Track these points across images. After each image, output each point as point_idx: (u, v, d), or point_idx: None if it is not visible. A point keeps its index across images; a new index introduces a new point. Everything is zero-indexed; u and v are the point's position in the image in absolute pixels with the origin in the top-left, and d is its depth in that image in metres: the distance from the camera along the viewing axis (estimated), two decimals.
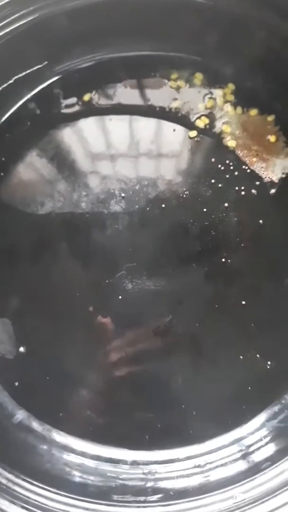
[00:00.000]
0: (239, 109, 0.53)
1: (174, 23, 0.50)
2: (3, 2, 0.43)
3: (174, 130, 0.53)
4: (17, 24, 0.45)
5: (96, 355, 0.49)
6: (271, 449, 0.45)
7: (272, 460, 0.42)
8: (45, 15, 0.46)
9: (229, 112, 0.53)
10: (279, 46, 0.49)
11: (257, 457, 0.45)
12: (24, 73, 0.50)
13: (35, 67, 0.51)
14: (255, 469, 0.42)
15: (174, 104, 0.53)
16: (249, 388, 0.48)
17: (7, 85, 0.50)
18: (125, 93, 0.53)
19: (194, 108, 0.53)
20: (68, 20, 0.48)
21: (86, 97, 0.53)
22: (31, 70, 0.50)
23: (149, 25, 0.51)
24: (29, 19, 0.45)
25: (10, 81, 0.50)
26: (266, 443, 0.46)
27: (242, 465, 0.45)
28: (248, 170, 0.52)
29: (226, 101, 0.53)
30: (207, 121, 0.52)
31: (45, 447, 0.47)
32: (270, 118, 0.52)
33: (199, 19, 0.50)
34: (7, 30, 0.45)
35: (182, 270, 0.50)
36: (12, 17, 0.44)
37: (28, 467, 0.44)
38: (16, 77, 0.50)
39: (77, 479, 0.45)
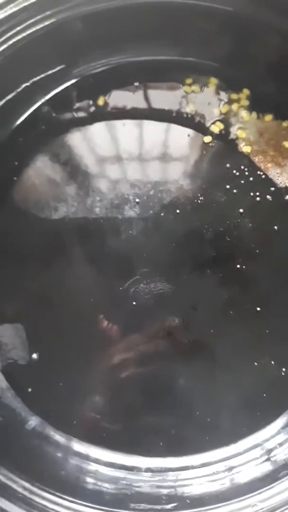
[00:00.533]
0: (254, 115, 0.53)
1: (189, 28, 0.50)
2: (21, 6, 0.43)
3: (188, 135, 0.52)
4: (34, 29, 0.45)
5: (110, 361, 0.48)
6: (287, 456, 0.45)
7: None
8: (62, 20, 0.46)
9: (244, 118, 0.53)
10: None
11: (274, 464, 0.45)
12: (39, 77, 0.50)
13: (51, 71, 0.51)
14: (272, 477, 0.42)
15: (189, 109, 0.53)
16: (264, 394, 0.48)
17: (21, 89, 0.50)
18: (139, 98, 0.53)
19: (208, 113, 0.53)
20: (85, 24, 0.48)
21: (101, 101, 0.53)
22: (46, 74, 0.50)
23: (164, 30, 0.51)
24: (46, 23, 0.45)
25: (25, 85, 0.50)
26: (283, 451, 0.46)
27: (258, 473, 0.44)
28: (263, 176, 0.51)
29: (241, 107, 0.53)
30: (222, 126, 0.52)
31: (59, 454, 0.46)
32: (285, 123, 0.52)
33: (215, 24, 0.50)
34: (25, 34, 0.45)
35: (196, 276, 0.50)
36: (30, 21, 0.44)
37: (43, 475, 0.43)
38: (31, 80, 0.50)
39: (92, 487, 0.45)
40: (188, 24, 0.50)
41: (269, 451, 0.46)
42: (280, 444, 0.46)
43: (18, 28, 0.44)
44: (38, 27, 0.45)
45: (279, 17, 0.47)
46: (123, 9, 0.47)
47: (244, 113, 0.53)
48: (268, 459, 0.46)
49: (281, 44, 0.49)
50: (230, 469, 0.46)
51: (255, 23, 0.48)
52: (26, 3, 0.43)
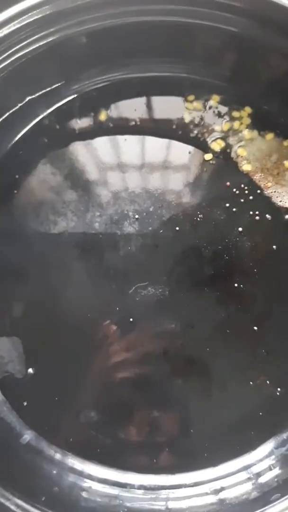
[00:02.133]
0: (255, 133, 0.53)
1: (193, 46, 0.51)
2: (24, 23, 0.43)
3: (189, 152, 0.52)
4: (38, 45, 0.45)
5: (106, 377, 0.49)
6: (280, 478, 0.45)
7: (282, 491, 0.42)
8: (65, 36, 0.46)
9: (245, 136, 0.53)
10: None
11: (266, 486, 0.45)
12: (41, 92, 0.50)
13: (52, 86, 0.51)
14: (264, 500, 0.42)
15: (190, 126, 0.53)
16: (258, 414, 0.48)
17: (23, 104, 0.50)
18: (141, 114, 0.53)
19: (210, 130, 0.53)
20: (87, 41, 0.48)
21: (102, 116, 0.53)
22: (48, 89, 0.50)
23: (168, 47, 0.51)
24: (49, 40, 0.45)
25: (27, 100, 0.50)
26: (275, 472, 0.46)
27: (251, 494, 0.45)
28: (263, 195, 0.52)
29: (242, 124, 0.53)
30: (223, 144, 0.52)
31: (53, 469, 0.47)
32: (286, 142, 0.52)
33: (218, 43, 0.50)
34: (28, 49, 0.45)
35: (194, 294, 0.50)
36: (33, 38, 0.44)
37: (36, 491, 0.43)
38: (33, 96, 0.50)
39: (85, 504, 0.45)
40: (191, 42, 0.50)
41: (262, 472, 0.46)
42: (274, 466, 0.46)
43: (22, 44, 0.44)
44: (41, 43, 0.46)
45: (282, 38, 0.47)
46: (126, 26, 0.47)
47: (245, 131, 0.53)
48: (260, 481, 0.46)
49: (283, 64, 0.49)
50: (222, 489, 0.46)
51: (258, 43, 0.48)
52: (29, 20, 0.43)
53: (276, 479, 0.45)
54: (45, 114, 0.52)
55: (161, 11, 0.47)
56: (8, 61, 0.45)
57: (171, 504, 0.46)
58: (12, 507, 0.40)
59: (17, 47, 0.44)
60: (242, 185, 0.52)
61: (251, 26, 0.47)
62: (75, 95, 0.52)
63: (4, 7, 0.41)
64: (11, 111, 0.51)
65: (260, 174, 0.52)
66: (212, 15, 0.47)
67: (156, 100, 0.53)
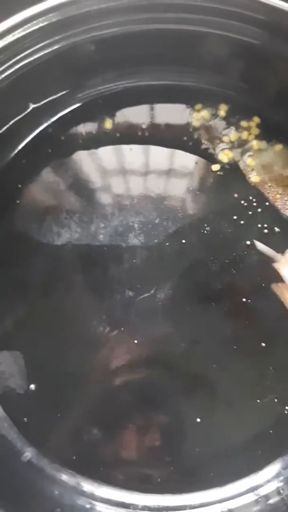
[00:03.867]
0: (264, 144, 0.52)
1: (201, 54, 0.50)
2: (29, 31, 0.42)
3: (196, 163, 0.51)
4: (43, 53, 0.44)
5: (109, 393, 0.47)
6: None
7: None
8: (71, 44, 0.45)
9: (254, 146, 0.51)
10: None
11: (274, 509, 0.44)
12: (45, 100, 0.49)
13: (57, 95, 0.50)
14: None
15: (197, 136, 0.52)
16: (266, 433, 0.47)
17: (27, 112, 0.49)
18: (147, 123, 0.52)
19: (218, 140, 0.52)
20: (93, 49, 0.47)
21: (108, 125, 0.52)
22: (53, 97, 0.49)
23: (174, 55, 0.50)
24: (54, 48, 0.44)
25: (31, 108, 0.49)
26: (282, 493, 0.44)
27: None
28: (272, 207, 0.50)
29: (251, 135, 0.52)
30: (230, 155, 0.51)
31: (55, 489, 0.45)
32: None
33: (227, 51, 0.49)
34: (33, 58, 0.44)
35: (200, 308, 0.49)
36: (37, 46, 0.43)
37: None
38: (37, 104, 0.49)
39: None
40: (200, 51, 0.49)
41: (270, 494, 0.45)
42: (282, 488, 0.45)
43: (27, 51, 0.43)
44: (47, 51, 0.45)
45: None
46: (134, 34, 0.47)
47: (254, 142, 0.52)
48: (268, 502, 0.45)
49: None
50: (230, 511, 0.44)
51: (267, 52, 0.47)
52: (34, 27, 0.42)
53: (284, 502, 0.44)
54: (49, 122, 0.51)
55: (169, 19, 0.46)
56: (13, 69, 0.44)
57: None
58: None
59: (22, 55, 0.43)
60: (250, 197, 0.51)
61: (260, 35, 0.46)
62: (80, 104, 0.51)
63: (9, 15, 0.40)
64: (15, 120, 0.50)
65: (269, 186, 0.51)
66: (220, 24, 0.47)
67: (163, 109, 0.52)
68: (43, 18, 0.41)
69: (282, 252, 0.49)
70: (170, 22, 0.47)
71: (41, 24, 0.42)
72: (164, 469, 0.46)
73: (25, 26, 0.41)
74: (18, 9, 0.40)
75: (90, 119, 0.52)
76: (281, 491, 0.44)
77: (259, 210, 0.50)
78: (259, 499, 0.45)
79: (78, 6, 0.42)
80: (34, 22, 0.41)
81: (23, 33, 0.42)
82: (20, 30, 0.41)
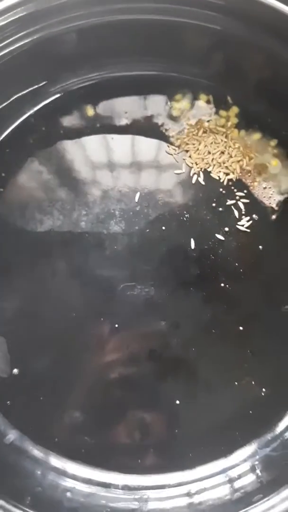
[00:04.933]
0: (242, 133, 0.52)
1: (180, 44, 0.50)
2: (7, 21, 0.43)
3: (176, 152, 0.52)
4: (22, 42, 0.45)
5: (91, 377, 0.48)
6: (262, 479, 0.45)
7: (264, 492, 0.42)
8: (50, 34, 0.46)
9: (233, 135, 0.52)
10: (284, 72, 0.49)
11: (249, 487, 0.45)
12: (26, 90, 0.50)
13: (38, 84, 0.50)
14: (247, 501, 0.42)
15: (177, 125, 0.53)
16: (243, 414, 0.48)
17: (9, 102, 0.50)
18: (127, 112, 0.53)
19: (197, 129, 0.52)
20: (73, 39, 0.47)
21: (89, 115, 0.52)
22: (34, 87, 0.50)
23: (154, 45, 0.50)
24: (34, 37, 0.45)
25: (12, 98, 0.50)
26: (258, 473, 0.46)
27: (234, 495, 0.45)
28: (250, 195, 0.51)
29: (230, 124, 0.52)
30: None
31: (36, 469, 0.46)
32: (273, 142, 0.52)
33: (205, 42, 0.50)
34: (12, 47, 0.45)
35: (180, 294, 0.50)
36: (16, 36, 0.44)
37: (19, 491, 0.43)
38: (17, 95, 0.49)
39: (68, 504, 0.45)
40: (178, 41, 0.49)
41: (245, 473, 0.46)
42: (257, 466, 0.46)
43: (6, 41, 0.44)
44: (26, 40, 0.45)
45: (268, 38, 0.46)
46: (113, 25, 0.47)
47: (233, 131, 0.52)
48: (243, 481, 0.46)
49: (270, 64, 0.49)
50: (205, 489, 0.46)
51: (245, 42, 0.48)
52: (13, 17, 0.43)
53: (259, 480, 0.45)
54: (31, 112, 0.52)
55: (147, 9, 0.47)
56: None
57: (154, 504, 0.46)
58: None
59: (1, 44, 0.44)
60: (229, 184, 0.52)
61: (237, 25, 0.47)
62: (61, 94, 0.52)
63: None
64: None
65: (246, 174, 0.52)
66: (198, 14, 0.47)
67: (143, 99, 0.53)
68: (22, 8, 0.42)
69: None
70: (148, 13, 0.47)
71: (20, 14, 0.43)
72: (144, 450, 0.48)
73: (4, 16, 0.42)
74: None
75: (72, 109, 0.52)
76: (256, 468, 0.45)
77: (238, 197, 0.51)
78: (235, 477, 0.46)
79: None
80: (13, 12, 0.42)
81: (2, 23, 0.42)
82: None
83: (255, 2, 0.44)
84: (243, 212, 0.51)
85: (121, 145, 0.52)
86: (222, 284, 0.50)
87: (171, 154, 0.52)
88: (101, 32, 0.48)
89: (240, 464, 0.47)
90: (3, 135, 0.52)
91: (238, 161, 0.52)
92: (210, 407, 0.48)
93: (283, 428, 0.48)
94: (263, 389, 0.48)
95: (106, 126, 0.53)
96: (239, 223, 0.51)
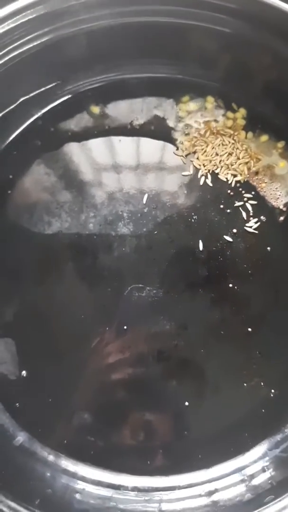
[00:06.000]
0: (250, 134, 0.53)
1: (189, 47, 0.50)
2: (16, 23, 0.43)
3: (184, 154, 0.52)
4: (31, 45, 0.45)
5: (100, 379, 0.48)
6: (273, 480, 0.45)
7: (275, 493, 0.42)
8: (60, 37, 0.46)
9: (240, 137, 0.52)
10: None
11: (260, 488, 0.45)
12: (35, 93, 0.50)
13: (47, 87, 0.50)
14: (258, 502, 0.42)
15: (186, 127, 0.53)
16: (252, 416, 0.48)
17: (17, 104, 0.50)
18: (135, 114, 0.53)
19: (204, 131, 0.53)
20: (82, 41, 0.48)
21: (97, 117, 0.53)
22: (42, 89, 0.50)
23: (162, 48, 0.51)
24: (43, 40, 0.45)
25: (20, 100, 0.50)
26: (268, 474, 0.46)
27: (245, 496, 0.45)
28: (258, 196, 0.52)
29: (237, 126, 0.53)
30: None
31: (46, 471, 0.46)
32: (280, 144, 0.52)
33: (214, 44, 0.50)
34: (22, 49, 0.45)
35: (188, 295, 0.50)
36: (25, 39, 0.44)
37: (29, 493, 0.43)
38: (25, 97, 0.50)
39: (78, 506, 0.45)
40: (187, 44, 0.50)
41: (255, 474, 0.46)
42: (267, 467, 0.46)
43: (16, 44, 0.44)
44: (35, 43, 0.45)
45: (276, 40, 0.47)
46: (123, 27, 0.47)
47: (240, 133, 0.52)
48: (254, 482, 0.46)
49: (277, 66, 0.49)
50: (216, 491, 0.46)
51: (252, 45, 0.48)
52: (23, 20, 0.43)
53: (269, 481, 0.45)
54: (39, 114, 0.52)
55: (156, 11, 0.47)
56: (1, 61, 0.45)
57: (165, 506, 0.46)
58: (5, 509, 0.40)
59: (11, 47, 0.44)
60: (237, 186, 0.52)
61: (245, 27, 0.47)
62: (69, 96, 0.52)
63: None
64: (4, 112, 0.50)
65: (254, 176, 0.52)
66: (208, 16, 0.47)
67: (151, 101, 0.53)
68: (32, 10, 0.42)
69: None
70: (157, 15, 0.47)
71: (29, 17, 0.43)
72: (154, 451, 0.48)
73: (14, 19, 0.42)
74: (7, 1, 0.41)
75: (80, 111, 0.53)
76: (266, 469, 0.45)
77: (245, 199, 0.52)
78: (245, 479, 0.46)
79: None
80: (23, 14, 0.42)
81: (12, 25, 0.42)
82: (8, 22, 0.42)
83: (265, 4, 0.44)
84: (251, 214, 0.51)
85: (128, 147, 0.53)
86: (231, 285, 0.50)
87: (179, 156, 0.52)
88: (110, 34, 0.48)
89: (250, 466, 0.47)
90: (11, 138, 0.52)
91: (246, 163, 0.52)
92: (219, 408, 0.48)
93: None
94: (272, 390, 0.48)
95: (113, 128, 0.53)
96: (247, 224, 0.51)
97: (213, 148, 0.52)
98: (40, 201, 0.51)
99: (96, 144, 0.53)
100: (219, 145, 0.52)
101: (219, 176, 0.52)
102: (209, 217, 0.51)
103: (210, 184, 0.52)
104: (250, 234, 0.51)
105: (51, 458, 0.47)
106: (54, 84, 0.51)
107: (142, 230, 0.51)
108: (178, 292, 0.50)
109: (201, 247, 0.50)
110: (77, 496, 0.46)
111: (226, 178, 0.52)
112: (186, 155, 0.52)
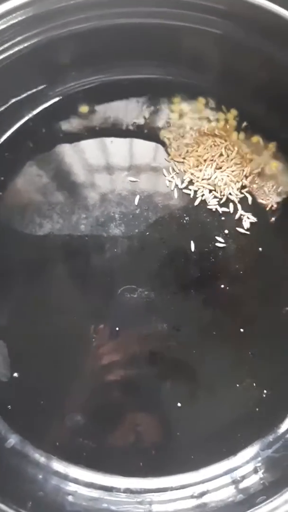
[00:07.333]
0: (241, 135, 0.53)
1: (179, 48, 0.50)
2: (6, 25, 0.43)
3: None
4: (21, 46, 0.45)
5: (92, 380, 0.48)
6: (265, 480, 0.45)
7: (267, 494, 0.42)
8: (49, 38, 0.46)
9: (232, 138, 0.53)
10: (283, 75, 0.49)
11: (252, 488, 0.45)
12: (25, 94, 0.50)
13: (37, 88, 0.50)
14: (250, 503, 0.42)
15: (177, 128, 0.53)
16: (245, 416, 0.48)
17: (7, 106, 0.50)
18: (126, 116, 0.53)
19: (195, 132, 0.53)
20: (72, 43, 0.47)
21: (88, 118, 0.53)
22: (32, 91, 0.50)
23: (152, 49, 0.51)
24: (33, 41, 0.45)
25: (11, 102, 0.50)
26: (261, 474, 0.46)
27: (236, 497, 0.45)
28: (249, 197, 0.52)
29: (228, 127, 0.53)
30: None
31: (38, 473, 0.46)
32: (272, 145, 0.53)
33: (205, 45, 0.50)
34: (12, 51, 0.45)
35: (180, 296, 0.50)
36: (15, 40, 0.44)
37: (21, 496, 0.43)
38: (16, 98, 0.49)
39: (70, 508, 0.45)
40: (177, 45, 0.50)
41: (247, 474, 0.46)
42: (259, 468, 0.46)
43: (5, 45, 0.44)
44: (25, 44, 0.45)
45: (266, 41, 0.47)
46: (112, 28, 0.47)
47: (231, 134, 0.53)
48: (246, 483, 0.46)
49: (268, 68, 0.49)
50: (208, 492, 0.46)
51: (243, 46, 0.48)
52: (12, 21, 0.43)
53: (262, 482, 0.45)
54: (30, 116, 0.52)
55: (146, 13, 0.47)
56: None
57: (157, 507, 0.45)
58: None
59: (0, 49, 0.44)
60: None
61: (236, 29, 0.47)
62: (60, 97, 0.52)
63: None
64: None
65: (246, 176, 0.52)
66: (198, 18, 0.47)
67: (142, 102, 0.53)
68: (21, 12, 0.42)
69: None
70: (147, 17, 0.47)
71: (19, 18, 0.43)
72: (146, 453, 0.47)
73: (3, 20, 0.42)
74: None
75: (71, 112, 0.52)
76: (258, 470, 0.45)
77: (237, 200, 0.52)
78: (237, 479, 0.46)
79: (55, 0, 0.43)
80: (13, 15, 0.42)
81: (2, 26, 0.42)
82: None
83: (255, 6, 0.45)
84: (243, 215, 0.51)
85: (120, 148, 0.52)
86: (223, 286, 0.50)
87: (170, 157, 0.52)
88: (100, 36, 0.48)
89: (243, 466, 0.47)
90: (2, 139, 0.52)
91: (238, 164, 0.52)
92: (212, 409, 0.48)
93: (285, 430, 0.48)
94: (265, 391, 0.48)
95: (105, 130, 0.53)
96: (238, 225, 0.51)
97: (204, 149, 0.52)
98: (31, 203, 0.51)
99: (88, 145, 0.52)
100: (211, 146, 0.52)
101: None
102: (201, 218, 0.51)
103: None
104: (241, 235, 0.51)
105: (43, 460, 0.47)
106: (45, 85, 0.51)
107: (134, 231, 0.51)
108: (170, 293, 0.50)
109: (193, 248, 0.50)
110: (69, 498, 0.46)
111: (218, 179, 0.52)
112: (178, 156, 0.52)
